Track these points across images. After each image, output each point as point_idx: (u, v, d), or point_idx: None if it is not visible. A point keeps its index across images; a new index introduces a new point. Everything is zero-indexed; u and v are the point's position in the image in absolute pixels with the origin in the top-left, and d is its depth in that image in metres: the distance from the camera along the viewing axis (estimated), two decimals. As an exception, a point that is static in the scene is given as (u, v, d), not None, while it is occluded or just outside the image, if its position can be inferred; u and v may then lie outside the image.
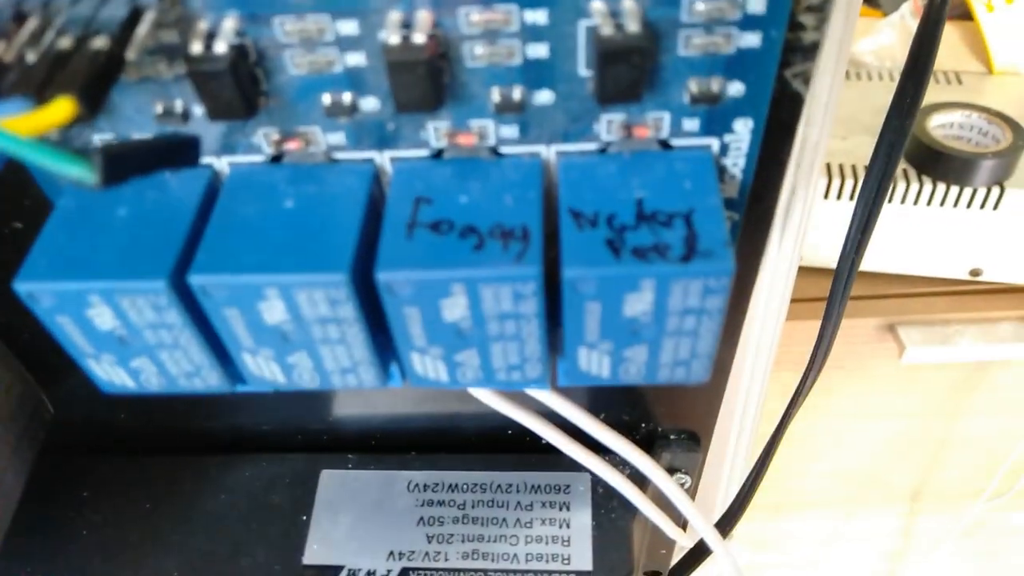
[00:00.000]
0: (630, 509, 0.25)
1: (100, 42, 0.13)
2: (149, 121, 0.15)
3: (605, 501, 0.25)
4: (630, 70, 0.13)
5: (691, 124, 0.15)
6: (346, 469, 0.26)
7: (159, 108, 0.15)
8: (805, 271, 0.53)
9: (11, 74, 0.12)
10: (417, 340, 0.16)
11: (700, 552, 0.26)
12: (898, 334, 0.63)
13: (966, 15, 0.64)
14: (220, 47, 0.14)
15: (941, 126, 0.56)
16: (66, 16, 0.13)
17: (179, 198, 0.16)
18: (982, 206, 0.55)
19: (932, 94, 0.59)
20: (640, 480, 0.24)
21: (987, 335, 0.63)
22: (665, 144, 0.16)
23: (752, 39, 0.14)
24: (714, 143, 0.16)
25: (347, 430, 0.27)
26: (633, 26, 0.13)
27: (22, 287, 0.15)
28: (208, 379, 0.17)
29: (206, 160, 0.16)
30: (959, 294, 0.63)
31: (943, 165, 0.55)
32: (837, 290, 0.28)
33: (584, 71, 0.14)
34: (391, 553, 0.24)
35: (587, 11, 0.14)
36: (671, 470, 0.26)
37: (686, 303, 0.15)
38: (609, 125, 0.15)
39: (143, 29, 0.13)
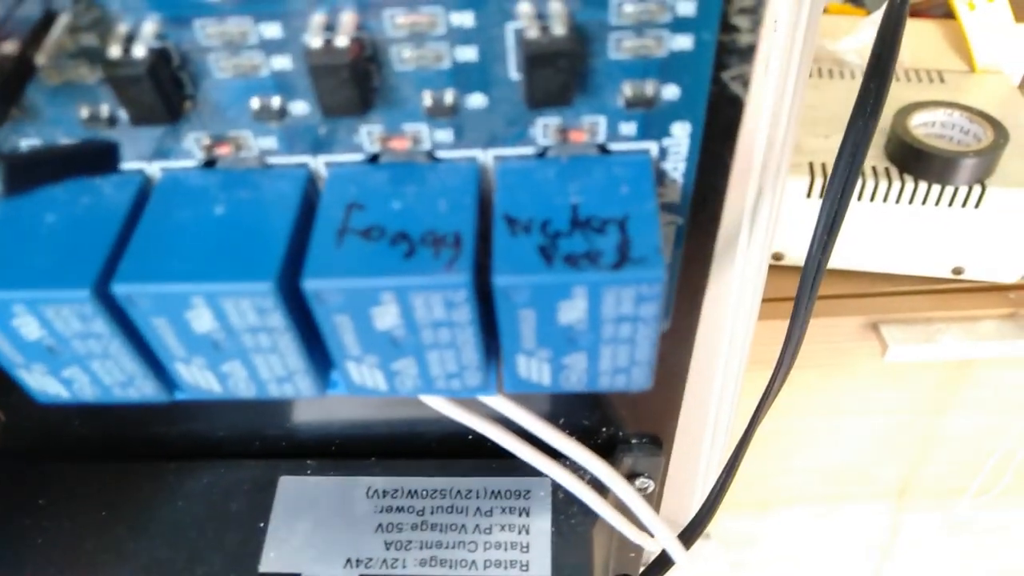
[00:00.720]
0: (591, 515, 0.24)
1: (9, 47, 0.12)
2: (75, 126, 0.15)
3: (565, 507, 0.25)
4: (558, 73, 0.13)
5: (628, 128, 0.15)
6: (305, 475, 0.26)
7: (84, 112, 0.15)
8: (788, 270, 0.53)
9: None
10: (351, 349, 0.15)
11: (665, 561, 0.26)
12: (881, 332, 0.63)
13: (948, 14, 0.64)
14: (139, 51, 0.13)
15: (923, 124, 0.56)
16: (-21, 19, 0.13)
17: (109, 204, 0.16)
18: (964, 204, 0.55)
19: (914, 92, 0.59)
20: (601, 485, 0.24)
21: (969, 333, 0.62)
22: (603, 148, 0.15)
23: (684, 41, 0.14)
24: (653, 147, 0.15)
25: (306, 436, 0.26)
26: (559, 29, 0.13)
27: (-59, 295, 0.15)
28: (143, 388, 0.17)
29: (138, 165, 0.16)
30: (941, 292, 0.63)
31: (925, 164, 0.55)
32: (804, 291, 0.28)
33: (515, 74, 0.14)
34: (348, 560, 0.24)
35: (514, 14, 0.13)
36: (633, 475, 0.26)
37: (620, 310, 0.14)
38: (545, 129, 0.15)
39: (56, 33, 0.13)
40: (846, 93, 0.52)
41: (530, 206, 0.15)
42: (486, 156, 0.16)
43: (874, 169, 0.54)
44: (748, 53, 0.14)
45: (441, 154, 0.16)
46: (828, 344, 0.62)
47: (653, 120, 0.15)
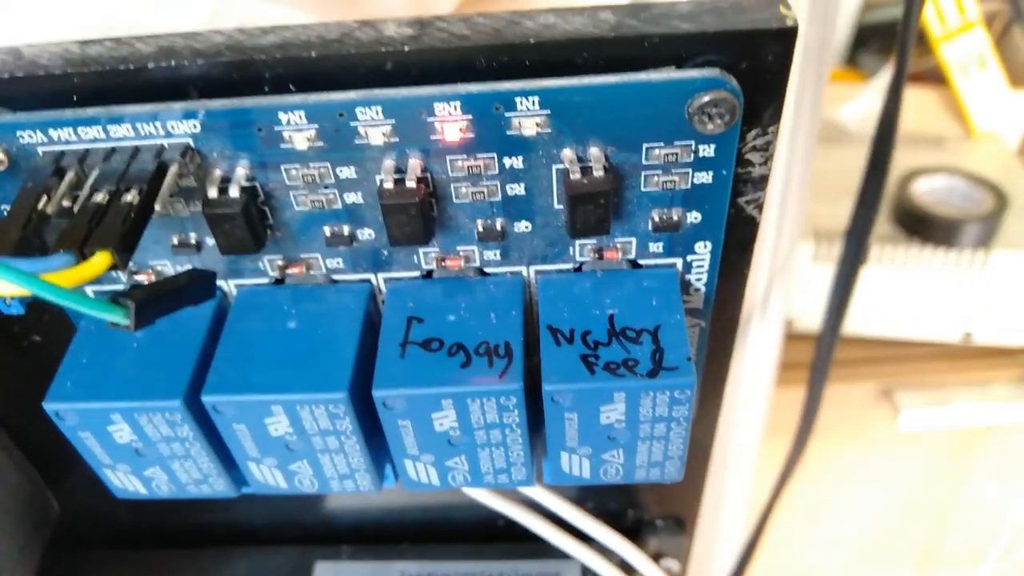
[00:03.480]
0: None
1: (131, 196, 0.15)
2: (165, 251, 0.18)
3: (595, 588, 0.27)
4: (597, 208, 0.16)
5: (656, 247, 0.18)
6: (340, 560, 0.27)
7: (175, 240, 0.18)
8: (796, 337, 0.55)
9: (55, 232, 0.14)
10: (410, 449, 0.18)
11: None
12: (894, 399, 0.65)
13: (941, 78, 0.67)
14: (234, 191, 0.16)
15: (926, 191, 0.59)
16: (99, 171, 0.16)
17: (190, 320, 0.18)
18: (970, 267, 0.58)
19: (915, 158, 0.63)
20: (628, 567, 0.26)
21: (982, 397, 0.65)
22: (634, 263, 0.18)
23: (705, 176, 0.16)
24: (678, 262, 0.18)
25: (340, 522, 0.28)
26: (598, 171, 0.16)
27: (50, 407, 0.17)
28: (215, 486, 0.19)
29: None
30: (952, 358, 0.65)
31: (930, 228, 0.59)
32: (819, 365, 0.30)
33: (558, 204, 0.17)
34: (386, 644, 0.26)
35: (558, 158, 0.16)
36: (659, 555, 0.28)
37: (655, 412, 0.17)
38: (582, 249, 0.18)
39: (168, 181, 0.15)
40: (848, 160, 0.55)
41: (571, 317, 0.17)
42: (528, 272, 0.18)
43: (881, 234, 0.57)
44: (761, 182, 0.17)
45: (489, 270, 0.18)
46: (842, 411, 0.64)
47: (678, 240, 0.18)
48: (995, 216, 0.57)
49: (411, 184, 0.16)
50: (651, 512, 0.27)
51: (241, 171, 0.16)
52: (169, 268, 0.18)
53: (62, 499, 0.26)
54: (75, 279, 0.14)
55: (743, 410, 0.25)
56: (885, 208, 0.60)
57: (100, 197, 0.15)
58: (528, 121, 0.15)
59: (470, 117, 0.15)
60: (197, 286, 0.16)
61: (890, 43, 0.73)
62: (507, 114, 0.15)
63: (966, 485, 0.70)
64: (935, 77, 0.69)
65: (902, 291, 0.60)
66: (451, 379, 0.16)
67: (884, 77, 0.71)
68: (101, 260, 0.14)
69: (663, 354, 0.16)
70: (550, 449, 0.18)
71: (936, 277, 0.59)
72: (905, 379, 0.65)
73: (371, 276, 0.18)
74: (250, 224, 0.16)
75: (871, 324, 0.62)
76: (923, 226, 0.58)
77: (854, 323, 0.61)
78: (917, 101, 0.70)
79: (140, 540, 0.28)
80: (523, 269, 0.18)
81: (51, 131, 0.16)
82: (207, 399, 0.17)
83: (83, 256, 0.14)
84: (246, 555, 0.28)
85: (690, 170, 0.16)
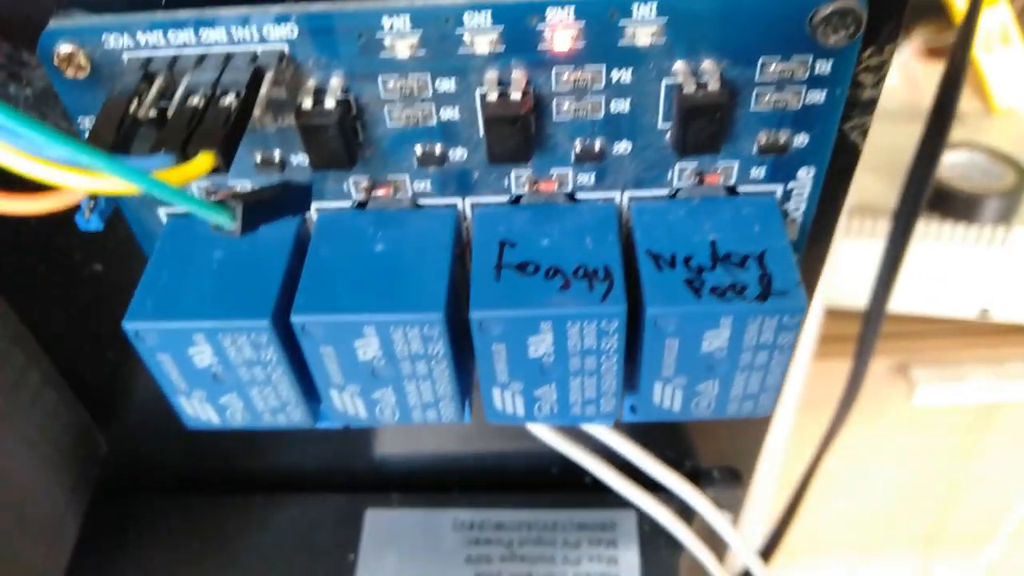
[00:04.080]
0: (677, 546, 0.26)
1: (228, 100, 0.14)
2: (248, 169, 0.17)
3: (651, 538, 0.26)
4: (710, 124, 0.15)
5: (758, 172, 0.17)
6: (390, 508, 0.27)
7: (258, 157, 0.17)
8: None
9: (154, 132, 0.14)
10: (500, 376, 0.17)
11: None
12: (909, 375, 0.65)
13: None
14: (329, 102, 0.15)
15: (947, 166, 0.59)
16: (189, 77, 0.15)
17: (271, 242, 0.17)
18: (989, 243, 0.58)
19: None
20: (685, 516, 0.26)
21: (997, 374, 0.65)
22: (731, 190, 0.17)
23: (818, 96, 0.16)
24: (778, 189, 0.17)
25: (390, 470, 0.28)
26: (713, 84, 0.15)
27: (130, 327, 0.16)
28: (292, 415, 0.18)
29: (294, 206, 0.18)
30: (969, 334, 0.65)
31: (951, 203, 0.58)
32: (868, 335, 0.30)
33: (663, 124, 0.16)
34: (440, 591, 0.25)
35: (670, 71, 0.15)
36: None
37: (760, 339, 0.16)
38: (681, 173, 0.17)
39: (264, 88, 0.15)
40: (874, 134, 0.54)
41: (670, 243, 0.17)
42: (622, 198, 0.18)
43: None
44: (869, 106, 0.17)
45: (581, 196, 0.18)
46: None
47: (781, 165, 0.17)
48: (1016, 192, 0.57)
49: (516, 96, 0.15)
50: (708, 463, 0.27)
51: (336, 81, 0.16)
52: (250, 187, 0.17)
53: (110, 440, 0.26)
54: (180, 178, 0.13)
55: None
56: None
57: (195, 101, 0.14)
58: (643, 30, 0.15)
59: (582, 24, 0.15)
60: (294, 196, 0.15)
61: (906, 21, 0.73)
62: (622, 21, 0.15)
63: (978, 462, 0.71)
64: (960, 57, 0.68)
65: (921, 266, 0.60)
66: (551, 301, 0.16)
67: (904, 51, 0.70)
68: (204, 161, 0.13)
69: (771, 279, 0.16)
70: (643, 380, 0.17)
71: (955, 252, 0.59)
72: (921, 355, 0.65)
73: (458, 200, 0.18)
74: (344, 137, 0.16)
75: (889, 300, 0.62)
76: (943, 201, 0.58)
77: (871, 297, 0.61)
78: (938, 76, 0.70)
79: (188, 486, 0.28)
80: (616, 195, 0.18)
81: (139, 35, 0.15)
82: (296, 319, 0.16)
83: (185, 156, 0.13)
84: (296, 502, 0.27)
85: (804, 88, 0.16)
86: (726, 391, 0.17)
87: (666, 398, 0.18)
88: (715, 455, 0.27)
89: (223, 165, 0.14)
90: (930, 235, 0.59)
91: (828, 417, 0.35)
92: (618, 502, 0.27)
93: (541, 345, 0.16)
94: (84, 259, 0.20)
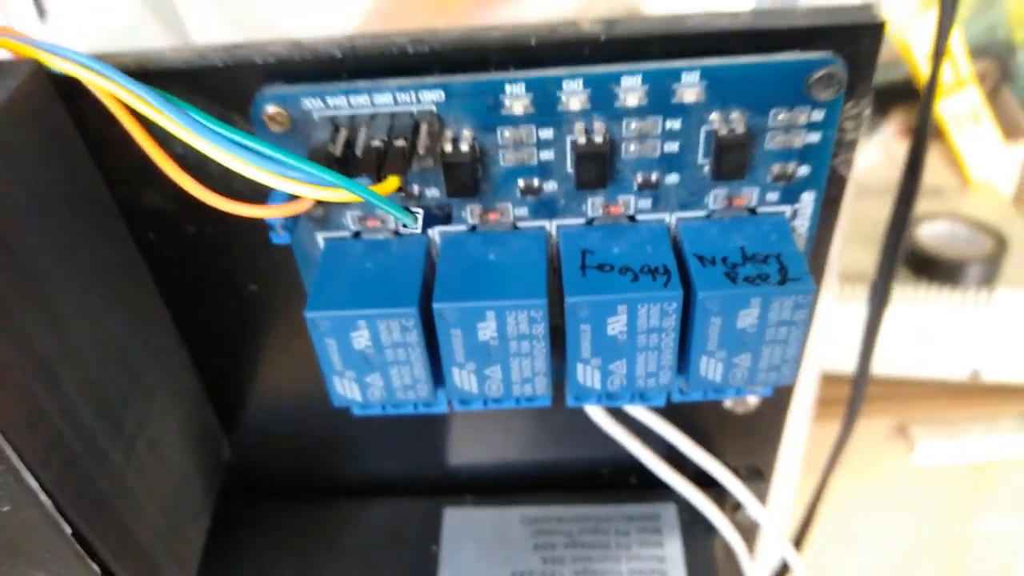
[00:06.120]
0: (712, 531, 0.31)
1: (400, 142, 0.21)
2: (392, 199, 0.23)
3: (690, 527, 0.32)
4: (739, 156, 0.22)
5: (772, 196, 0.24)
6: (465, 507, 0.32)
7: (401, 192, 0.23)
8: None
9: (355, 163, 0.20)
10: (584, 352, 0.23)
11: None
12: (908, 434, 0.71)
13: (939, 133, 0.75)
14: (464, 146, 0.22)
15: (930, 235, 0.66)
16: (364, 131, 0.21)
17: (407, 258, 0.24)
18: (975, 305, 0.65)
19: (918, 206, 0.70)
20: (719, 504, 0.31)
21: (991, 431, 0.70)
22: (752, 211, 0.24)
23: (814, 137, 0.22)
24: (788, 209, 0.24)
25: (464, 475, 0.33)
26: (740, 128, 0.22)
27: (311, 315, 0.22)
28: (420, 392, 0.24)
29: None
30: (962, 395, 0.71)
31: (936, 269, 0.65)
32: (862, 365, 0.36)
33: (702, 160, 0.23)
34: (514, 572, 0.30)
35: (707, 120, 0.22)
36: (738, 505, 0.33)
37: (781, 316, 0.22)
38: (716, 198, 0.24)
39: (422, 134, 0.21)
40: (855, 209, 0.60)
41: (710, 248, 0.23)
42: (671, 219, 0.24)
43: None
44: (851, 146, 0.23)
45: (640, 217, 0.24)
46: (858, 446, 0.70)
47: (789, 191, 0.23)
48: (996, 257, 0.64)
49: (598, 139, 0.22)
50: (731, 462, 0.32)
51: (467, 132, 0.22)
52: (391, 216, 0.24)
53: (232, 447, 0.31)
54: (381, 192, 0.19)
55: (805, 366, 0.31)
56: (893, 251, 0.67)
57: (375, 143, 0.21)
58: (690, 91, 0.21)
59: (647, 87, 0.21)
60: (443, 214, 0.21)
61: (884, 105, 0.81)
62: (674, 85, 0.21)
63: (980, 521, 0.75)
64: (933, 132, 0.77)
65: (912, 330, 0.67)
66: (625, 288, 0.22)
67: (884, 132, 0.79)
68: (392, 182, 0.20)
69: (787, 270, 0.22)
70: (692, 355, 0.23)
71: (943, 315, 0.66)
72: (918, 415, 0.71)
73: (546, 223, 0.24)
74: (473, 172, 0.22)
75: (885, 363, 0.68)
76: (929, 267, 0.65)
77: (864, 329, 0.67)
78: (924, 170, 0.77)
79: (289, 492, 0.33)
80: (666, 216, 0.24)
81: (328, 99, 0.22)
82: (437, 306, 0.22)
83: (379, 179, 0.20)
84: (381, 503, 0.33)
85: (804, 131, 0.22)
86: (756, 362, 0.23)
87: (710, 371, 0.24)
88: (739, 453, 0.32)
89: (404, 185, 0.20)
90: (919, 300, 0.65)
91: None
92: (660, 497, 0.32)
93: (617, 324, 0.23)
94: (244, 279, 0.26)
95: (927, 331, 0.68)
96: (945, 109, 0.74)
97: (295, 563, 0.31)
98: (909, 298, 0.66)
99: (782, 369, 0.24)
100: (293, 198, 0.20)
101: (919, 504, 0.75)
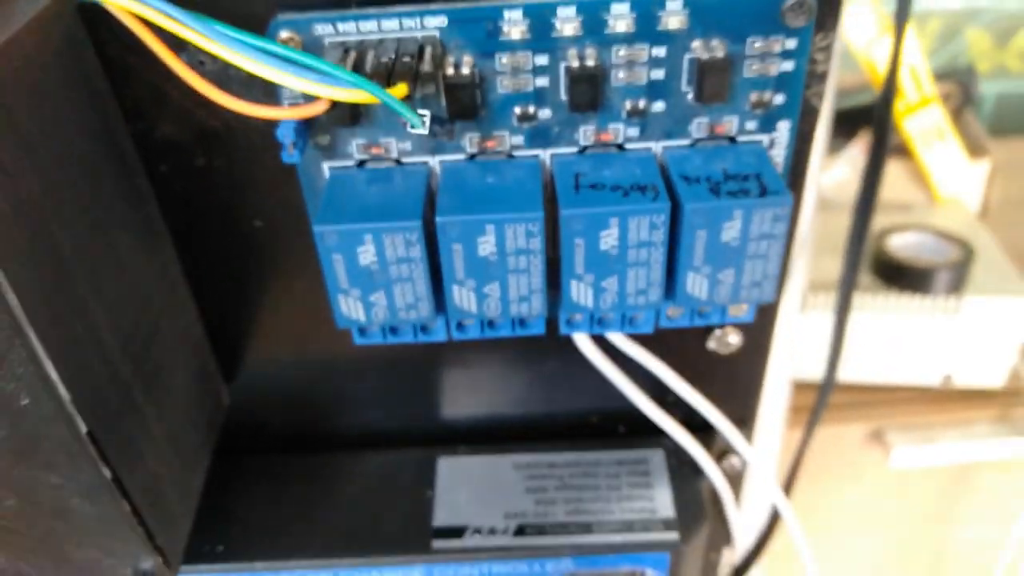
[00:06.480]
0: (700, 474, 0.33)
1: (407, 59, 0.22)
2: (394, 128, 0.25)
3: (678, 471, 0.33)
4: (721, 80, 0.24)
5: (751, 124, 0.25)
6: (458, 456, 0.33)
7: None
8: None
9: (367, 72, 0.22)
10: (578, 268, 0.25)
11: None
12: (884, 439, 0.72)
13: (907, 151, 0.78)
14: (465, 70, 0.24)
15: (899, 246, 0.69)
16: (377, 49, 0.23)
17: (410, 181, 0.25)
18: (944, 312, 0.67)
19: (887, 221, 0.73)
20: (706, 446, 0.32)
21: (965, 435, 0.72)
22: (732, 140, 0.26)
23: (788, 65, 0.24)
24: (765, 139, 0.26)
25: (456, 426, 0.34)
26: (720, 53, 0.24)
27: (318, 229, 0.24)
28: (421, 311, 0.25)
29: (423, 159, 0.26)
30: (935, 401, 0.73)
31: (906, 277, 0.68)
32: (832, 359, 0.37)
33: (686, 87, 0.25)
34: (507, 513, 0.31)
35: (690, 48, 0.24)
36: (725, 453, 0.34)
37: (761, 228, 0.24)
38: (699, 126, 0.25)
39: (427, 55, 0.23)
40: (826, 222, 0.62)
41: (695, 171, 0.25)
42: (657, 147, 0.26)
43: (862, 285, 0.67)
44: (822, 78, 0.25)
45: (629, 146, 0.26)
46: (834, 454, 0.71)
47: (766, 119, 0.25)
48: (962, 265, 0.67)
49: (590, 63, 0.24)
50: (718, 409, 0.34)
51: (467, 59, 0.24)
52: (394, 145, 0.25)
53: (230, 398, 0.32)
54: (393, 95, 0.21)
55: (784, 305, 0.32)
56: (864, 262, 0.69)
57: (385, 59, 0.23)
58: (674, 18, 0.23)
59: (634, 15, 0.23)
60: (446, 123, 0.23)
61: (851, 127, 0.85)
62: (659, 12, 0.23)
63: (958, 525, 0.77)
64: (900, 150, 0.80)
65: (885, 337, 0.69)
66: (617, 202, 0.24)
67: (852, 150, 0.82)
68: (401, 88, 0.21)
69: (766, 185, 0.24)
70: (679, 271, 0.25)
71: (914, 322, 0.68)
72: (893, 421, 0.73)
73: (540, 152, 0.26)
74: (473, 95, 0.24)
75: (859, 370, 0.70)
76: (900, 276, 0.68)
77: (843, 370, 0.69)
78: (886, 171, 0.81)
79: (286, 445, 0.34)
80: (653, 145, 0.26)
81: (338, 24, 0.23)
82: (440, 219, 0.24)
83: (388, 85, 0.21)
84: (377, 454, 0.33)
85: (779, 59, 0.24)
86: (739, 278, 0.25)
87: (696, 287, 0.25)
88: (723, 402, 0.34)
89: (412, 92, 0.22)
90: (891, 308, 0.68)
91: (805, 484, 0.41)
92: (648, 444, 0.33)
93: (609, 238, 0.24)
94: (249, 215, 0.28)
95: (900, 338, 0.70)
96: (911, 125, 0.77)
97: (292, 511, 0.32)
98: (881, 307, 0.69)
99: (763, 285, 0.25)
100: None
101: (896, 508, 0.76)
